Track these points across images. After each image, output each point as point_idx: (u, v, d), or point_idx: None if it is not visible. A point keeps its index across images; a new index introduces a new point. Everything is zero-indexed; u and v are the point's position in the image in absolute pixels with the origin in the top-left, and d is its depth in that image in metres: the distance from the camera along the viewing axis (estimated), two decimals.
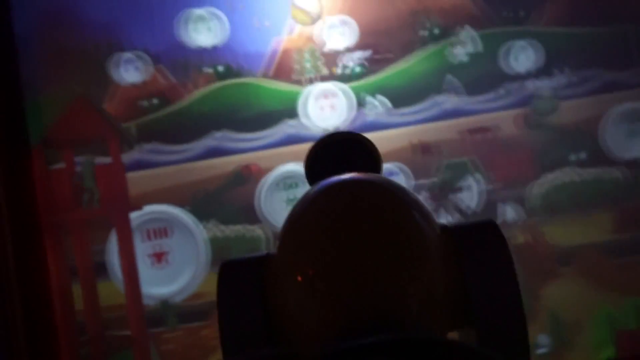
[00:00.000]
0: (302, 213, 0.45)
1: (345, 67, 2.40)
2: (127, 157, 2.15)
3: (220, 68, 2.37)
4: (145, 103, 2.28)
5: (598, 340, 1.89)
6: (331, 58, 2.42)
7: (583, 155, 2.22)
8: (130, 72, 2.29)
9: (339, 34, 2.40)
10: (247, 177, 2.20)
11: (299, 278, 0.42)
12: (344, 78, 2.40)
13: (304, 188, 0.51)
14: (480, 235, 0.43)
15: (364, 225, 0.42)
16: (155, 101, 2.29)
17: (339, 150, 0.52)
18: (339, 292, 0.40)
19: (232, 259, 0.47)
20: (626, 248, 2.04)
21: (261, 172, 2.24)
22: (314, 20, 2.43)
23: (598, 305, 1.95)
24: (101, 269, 2.02)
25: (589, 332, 1.91)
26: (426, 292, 0.41)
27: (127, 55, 2.29)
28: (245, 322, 0.43)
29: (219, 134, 2.31)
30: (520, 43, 2.35)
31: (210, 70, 2.39)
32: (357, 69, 2.40)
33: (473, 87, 2.33)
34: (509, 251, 0.43)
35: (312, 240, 0.42)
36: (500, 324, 0.41)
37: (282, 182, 2.23)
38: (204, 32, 2.35)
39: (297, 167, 2.25)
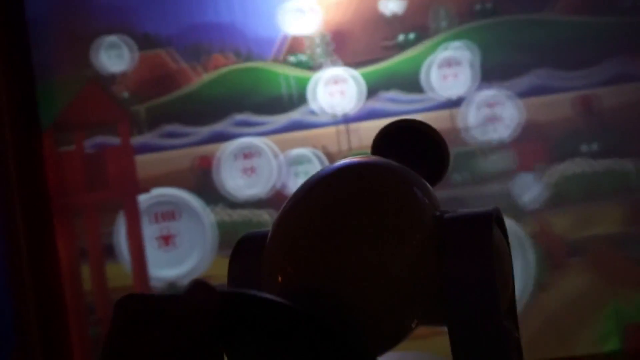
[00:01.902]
0: (301, 191, 0.45)
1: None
2: (136, 139, 2.17)
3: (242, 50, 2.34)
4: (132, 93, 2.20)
5: (605, 332, 1.87)
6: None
7: (595, 146, 2.18)
8: (112, 59, 2.18)
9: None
10: (204, 170, 2.19)
11: (289, 245, 0.42)
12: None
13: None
14: (464, 227, 0.42)
15: (357, 204, 0.42)
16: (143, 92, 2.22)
17: (406, 139, 0.50)
18: (321, 266, 0.40)
19: (252, 232, 0.47)
20: (636, 241, 2.01)
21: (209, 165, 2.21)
22: None
23: (606, 298, 1.93)
24: (109, 250, 2.05)
25: (597, 324, 1.90)
26: (404, 278, 0.40)
27: (112, 39, 2.20)
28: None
29: (228, 118, 2.31)
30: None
31: (220, 54, 2.39)
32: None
33: (489, 75, 2.30)
34: (489, 247, 0.40)
35: (306, 215, 0.43)
36: (473, 326, 0.40)
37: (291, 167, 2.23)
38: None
39: (306, 152, 2.25)
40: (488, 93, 2.29)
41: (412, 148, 0.49)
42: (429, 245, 0.41)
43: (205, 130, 2.27)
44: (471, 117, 2.29)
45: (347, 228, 0.41)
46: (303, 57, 2.36)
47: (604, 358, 1.75)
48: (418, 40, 2.38)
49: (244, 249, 0.46)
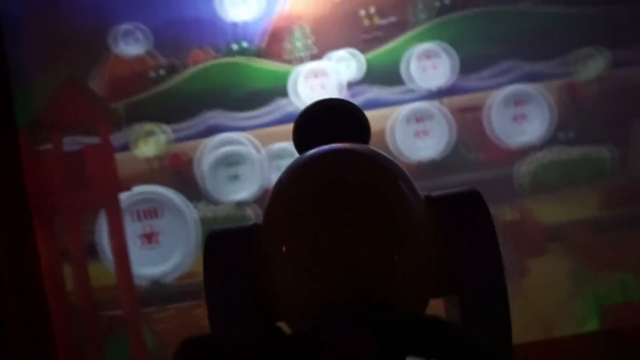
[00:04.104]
0: (286, 183, 0.44)
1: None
2: (116, 137, 2.15)
3: (235, 46, 2.34)
4: (152, 74, 2.26)
5: (584, 314, 1.92)
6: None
7: (571, 133, 2.23)
8: (130, 44, 2.26)
9: None
10: (176, 170, 2.18)
11: (284, 249, 0.41)
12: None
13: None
14: (463, 204, 0.44)
15: (348, 195, 0.42)
16: (162, 72, 2.27)
17: (327, 118, 0.51)
18: (323, 263, 0.40)
19: (219, 229, 0.46)
20: (613, 225, 2.06)
21: (188, 163, 2.22)
22: None
23: (584, 281, 1.98)
24: (91, 250, 2.03)
25: (576, 306, 1.94)
26: (411, 262, 0.41)
27: (126, 27, 2.26)
28: (233, 294, 0.43)
29: (210, 114, 2.30)
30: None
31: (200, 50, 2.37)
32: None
33: (468, 65, 2.33)
34: (491, 219, 0.43)
35: (297, 210, 0.42)
36: (483, 291, 0.42)
37: (274, 161, 2.23)
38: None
39: (288, 146, 2.25)
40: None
41: (334, 126, 0.50)
42: (430, 223, 0.43)
43: (185, 126, 2.26)
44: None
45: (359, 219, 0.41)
46: (245, 44, 2.36)
47: (584, 338, 1.79)
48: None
49: (217, 246, 0.45)
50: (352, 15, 2.41)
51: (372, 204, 0.42)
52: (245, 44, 2.36)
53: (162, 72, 2.25)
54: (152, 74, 2.27)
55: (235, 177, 2.18)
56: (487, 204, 0.44)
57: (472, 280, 0.42)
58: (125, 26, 2.26)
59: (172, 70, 2.32)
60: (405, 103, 2.33)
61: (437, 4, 2.44)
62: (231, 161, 2.18)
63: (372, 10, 2.42)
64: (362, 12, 2.44)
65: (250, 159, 2.21)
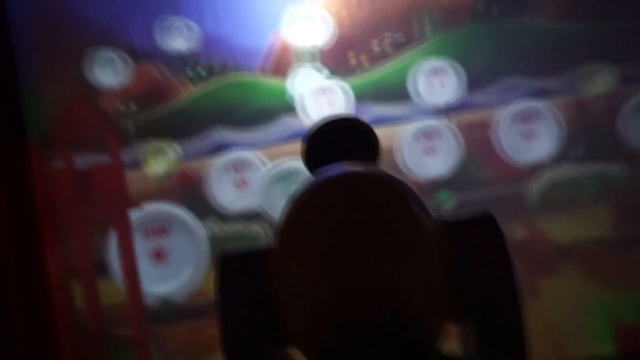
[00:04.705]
0: (300, 206, 0.44)
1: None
2: (126, 155, 2.15)
3: (202, 71, 2.34)
4: (122, 107, 2.21)
5: (597, 334, 1.90)
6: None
7: (581, 150, 2.22)
8: (107, 73, 2.18)
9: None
10: (185, 186, 2.18)
11: (298, 271, 0.41)
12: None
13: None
14: (478, 229, 0.44)
15: (362, 218, 0.42)
16: (201, 71, 2.24)
17: (337, 135, 0.52)
18: (338, 285, 0.40)
19: (232, 251, 0.46)
20: (624, 243, 2.04)
21: (198, 179, 2.22)
22: None
23: (597, 300, 1.96)
24: (101, 268, 2.02)
25: (588, 326, 1.92)
26: (424, 285, 0.41)
27: (107, 54, 2.21)
28: (246, 316, 0.43)
29: (218, 131, 2.30)
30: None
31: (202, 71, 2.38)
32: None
33: (474, 82, 2.33)
34: (506, 245, 0.43)
35: (311, 233, 0.42)
36: (497, 318, 0.42)
37: (282, 178, 2.23)
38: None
39: (296, 164, 2.25)
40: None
41: (343, 144, 0.51)
42: (444, 247, 0.43)
43: (194, 144, 2.26)
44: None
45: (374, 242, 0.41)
46: (202, 71, 2.36)
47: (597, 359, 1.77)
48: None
49: (230, 268, 0.44)
50: (360, 34, 2.42)
51: (387, 228, 0.42)
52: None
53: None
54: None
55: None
56: (501, 228, 0.43)
57: (485, 307, 0.42)
58: (173, 20, 2.24)
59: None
60: (412, 120, 2.33)
61: (481, 9, 2.41)
62: (284, 176, 2.17)
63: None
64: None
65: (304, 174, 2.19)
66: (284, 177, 2.20)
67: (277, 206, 2.18)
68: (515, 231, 2.07)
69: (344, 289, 0.40)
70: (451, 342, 0.46)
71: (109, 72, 2.23)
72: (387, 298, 0.40)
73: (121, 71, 2.24)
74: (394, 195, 0.44)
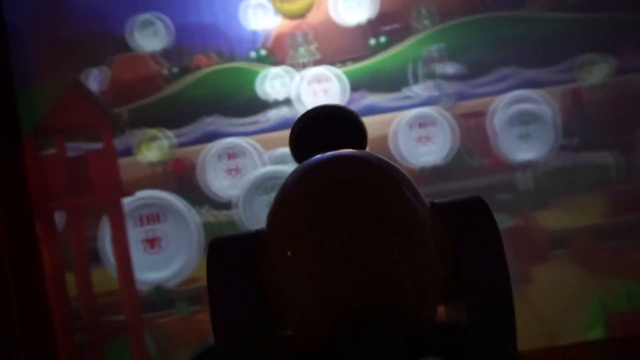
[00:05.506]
0: (292, 190, 0.44)
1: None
2: (119, 142, 2.15)
3: (175, 69, 2.35)
4: (165, 72, 2.25)
5: (589, 322, 1.90)
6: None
7: (576, 140, 2.21)
8: (148, 37, 2.23)
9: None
10: (179, 174, 2.18)
11: (290, 255, 0.41)
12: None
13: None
14: (469, 212, 0.44)
15: (354, 202, 0.41)
16: (174, 70, 2.26)
17: (325, 124, 0.51)
18: (331, 269, 0.40)
19: (222, 237, 0.46)
20: (618, 232, 2.05)
21: (190, 167, 2.22)
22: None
23: (590, 288, 1.96)
24: (94, 255, 2.02)
25: (581, 314, 1.93)
26: (418, 269, 0.41)
27: (145, 17, 2.24)
28: (237, 301, 0.42)
29: (210, 119, 2.30)
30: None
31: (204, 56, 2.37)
32: (382, 40, 2.39)
33: (471, 72, 2.32)
34: (496, 227, 0.43)
35: (304, 217, 0.42)
36: (489, 297, 0.42)
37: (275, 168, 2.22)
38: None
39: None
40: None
41: (331, 132, 0.51)
42: (436, 231, 0.43)
43: (188, 131, 2.26)
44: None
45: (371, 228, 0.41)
46: (263, 52, 2.36)
47: (589, 347, 1.78)
48: (390, 44, 2.40)
49: (221, 253, 0.44)
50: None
51: (380, 211, 0.41)
52: (263, 52, 2.37)
53: (175, 70, 2.25)
54: (165, 72, 2.26)
55: None
56: (491, 210, 0.43)
57: (478, 287, 0.42)
58: (145, 16, 2.25)
59: (183, 70, 2.32)
60: (407, 109, 2.33)
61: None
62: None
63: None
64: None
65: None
66: (278, 163, 2.19)
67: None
68: (509, 219, 2.07)
69: (337, 271, 0.40)
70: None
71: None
72: (382, 281, 0.40)
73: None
74: (386, 177, 0.44)
